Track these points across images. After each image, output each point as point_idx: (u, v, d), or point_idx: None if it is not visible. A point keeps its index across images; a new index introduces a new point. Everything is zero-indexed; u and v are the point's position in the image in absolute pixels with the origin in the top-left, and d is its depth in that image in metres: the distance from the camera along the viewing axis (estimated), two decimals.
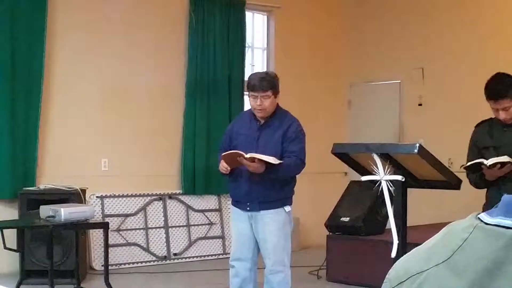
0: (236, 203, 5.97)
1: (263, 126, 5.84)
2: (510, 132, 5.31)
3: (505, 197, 0.97)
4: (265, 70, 10.62)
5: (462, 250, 0.95)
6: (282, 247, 5.85)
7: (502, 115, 5.25)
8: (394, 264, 1.05)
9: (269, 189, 5.74)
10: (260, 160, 5.51)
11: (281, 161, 5.62)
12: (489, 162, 5.07)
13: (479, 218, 0.98)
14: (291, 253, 6.03)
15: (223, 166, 5.74)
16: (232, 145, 5.87)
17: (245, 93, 10.42)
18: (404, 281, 1.00)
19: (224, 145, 5.99)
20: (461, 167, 5.35)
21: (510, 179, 5.18)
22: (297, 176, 5.97)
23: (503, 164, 5.07)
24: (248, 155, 5.50)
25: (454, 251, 0.96)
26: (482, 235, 0.95)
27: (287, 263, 5.89)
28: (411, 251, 1.05)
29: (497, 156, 5.20)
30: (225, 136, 6.09)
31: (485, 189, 5.47)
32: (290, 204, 5.90)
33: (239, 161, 5.57)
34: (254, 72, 6.43)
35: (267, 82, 5.73)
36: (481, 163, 5.12)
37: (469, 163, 5.24)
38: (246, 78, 10.33)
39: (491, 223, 0.95)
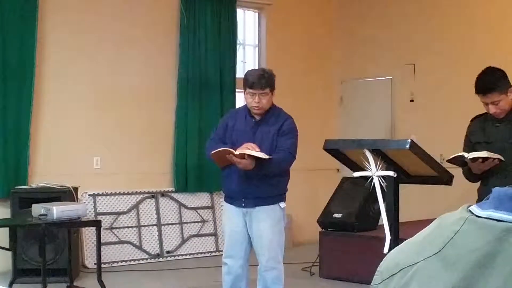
0: (230, 199, 5.95)
1: (259, 123, 5.83)
2: (502, 127, 5.31)
3: (496, 189, 0.97)
4: (257, 67, 10.62)
5: (453, 242, 0.95)
6: (277, 244, 5.85)
7: (492, 109, 5.25)
8: (386, 256, 1.05)
9: (265, 185, 5.73)
10: (250, 156, 5.50)
11: (270, 157, 5.61)
12: (469, 156, 5.09)
13: (470, 210, 0.98)
14: (284, 249, 6.03)
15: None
16: (227, 139, 5.84)
17: (237, 90, 10.43)
18: (396, 273, 1.01)
19: (219, 136, 5.92)
20: (446, 160, 5.36)
21: (497, 173, 5.18)
22: (290, 172, 5.98)
23: (485, 158, 5.09)
24: (237, 152, 5.49)
25: (445, 244, 0.96)
26: (474, 228, 0.95)
27: (280, 260, 5.90)
28: (402, 243, 1.06)
29: (489, 151, 5.21)
30: (219, 127, 6.01)
31: (477, 184, 5.49)
32: (284, 200, 5.90)
33: (228, 158, 5.56)
34: (251, 69, 6.41)
35: (265, 80, 5.74)
36: (463, 157, 5.14)
37: (451, 156, 5.25)
38: (237, 76, 10.39)
39: (482, 215, 0.96)
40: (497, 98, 5.19)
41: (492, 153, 5.12)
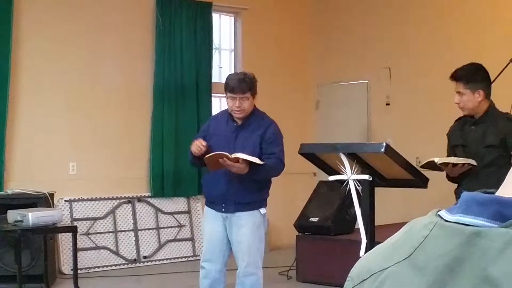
0: (211, 203, 5.93)
1: (240, 127, 5.81)
2: (476, 130, 5.32)
3: (464, 194, 0.98)
4: (233, 71, 10.63)
5: (422, 247, 0.96)
6: (256, 249, 5.84)
7: (456, 99, 5.24)
8: (357, 262, 1.06)
9: (246, 191, 5.71)
10: (244, 161, 5.49)
11: (264, 162, 5.61)
12: (438, 161, 5.11)
13: (439, 215, 0.99)
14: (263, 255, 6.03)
15: (198, 145, 5.68)
16: (207, 145, 5.83)
17: (213, 94, 10.44)
18: (367, 278, 1.01)
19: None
20: (420, 166, 5.38)
21: (471, 176, 5.20)
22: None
23: (454, 164, 5.11)
24: (233, 155, 5.46)
25: (415, 248, 0.97)
26: (442, 232, 0.95)
27: (260, 265, 5.89)
28: (373, 248, 1.06)
29: (465, 154, 5.24)
30: (199, 136, 6.02)
31: (454, 186, 5.51)
32: (265, 206, 5.89)
33: (221, 162, 5.51)
34: (232, 73, 6.41)
35: (246, 84, 5.71)
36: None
37: (423, 162, 5.28)
38: (213, 80, 10.40)
39: (450, 220, 0.96)
40: (461, 89, 5.19)
41: (461, 159, 5.14)
